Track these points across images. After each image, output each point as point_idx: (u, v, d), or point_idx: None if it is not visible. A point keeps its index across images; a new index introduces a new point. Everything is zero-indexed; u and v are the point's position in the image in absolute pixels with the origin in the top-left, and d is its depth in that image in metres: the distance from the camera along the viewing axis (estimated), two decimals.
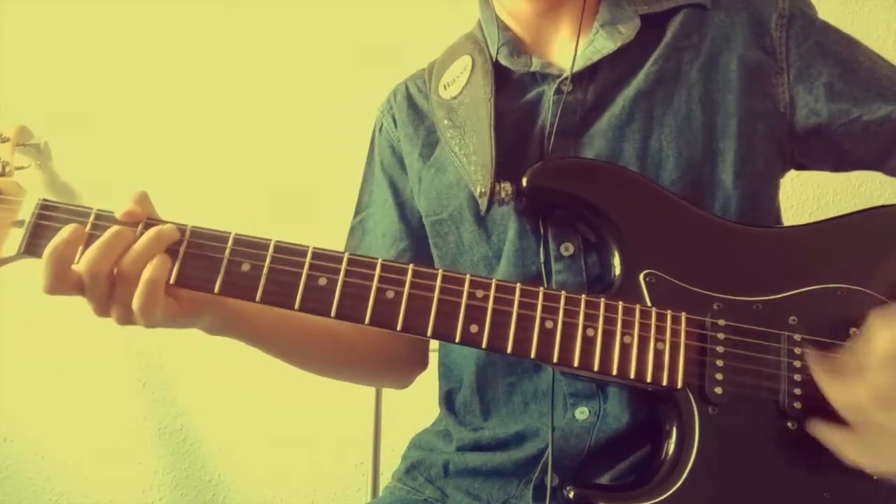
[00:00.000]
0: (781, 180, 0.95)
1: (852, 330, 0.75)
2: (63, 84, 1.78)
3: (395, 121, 1.05)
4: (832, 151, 0.91)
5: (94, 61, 1.79)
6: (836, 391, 0.71)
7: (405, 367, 1.10)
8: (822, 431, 0.72)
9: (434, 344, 1.04)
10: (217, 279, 0.75)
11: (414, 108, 1.04)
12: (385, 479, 1.05)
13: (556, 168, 0.85)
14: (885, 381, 0.67)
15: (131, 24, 1.78)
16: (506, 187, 0.84)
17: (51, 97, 1.77)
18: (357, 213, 1.10)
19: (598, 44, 0.91)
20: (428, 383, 1.05)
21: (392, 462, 1.05)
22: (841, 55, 0.90)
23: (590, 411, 0.85)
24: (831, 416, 0.71)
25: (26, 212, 0.77)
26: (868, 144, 0.89)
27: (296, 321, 0.92)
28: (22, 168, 0.95)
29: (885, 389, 0.67)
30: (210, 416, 1.76)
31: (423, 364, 1.11)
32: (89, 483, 1.77)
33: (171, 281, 0.74)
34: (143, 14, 1.78)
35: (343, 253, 0.76)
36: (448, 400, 1.01)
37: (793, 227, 0.85)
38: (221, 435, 1.77)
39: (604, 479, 0.84)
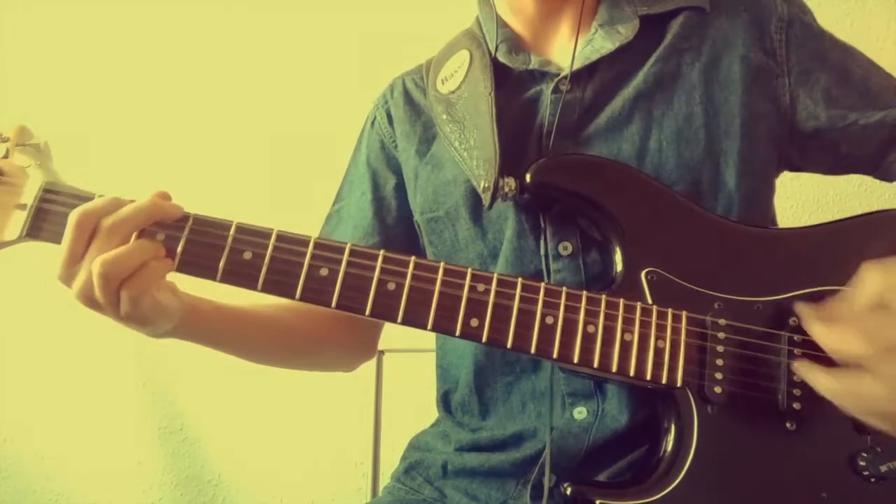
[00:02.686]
0: (778, 181, 0.95)
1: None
2: (63, 84, 1.78)
3: (389, 117, 1.05)
4: (829, 154, 0.92)
5: (94, 61, 1.79)
6: (826, 335, 0.69)
7: (354, 357, 1.12)
8: (816, 377, 0.70)
9: (430, 345, 1.04)
10: (219, 267, 0.75)
11: (411, 103, 1.04)
12: (385, 479, 1.05)
13: (561, 164, 0.85)
14: (874, 322, 0.66)
15: (131, 24, 1.79)
16: (509, 182, 0.83)
17: (51, 97, 1.77)
18: (336, 200, 1.10)
19: (597, 43, 0.91)
20: (428, 383, 1.05)
21: (392, 462, 1.05)
22: (837, 63, 0.91)
23: (588, 411, 0.85)
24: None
25: (29, 195, 0.77)
26: (863, 148, 0.90)
27: (248, 321, 0.94)
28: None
29: (875, 330, 0.65)
30: (210, 416, 1.76)
31: (372, 353, 1.13)
32: (89, 483, 1.77)
33: (172, 268, 0.75)
34: (142, 14, 1.79)
35: (346, 243, 0.76)
36: (445, 401, 1.01)
37: (795, 228, 0.85)
38: (221, 435, 1.77)
39: (601, 478, 0.84)
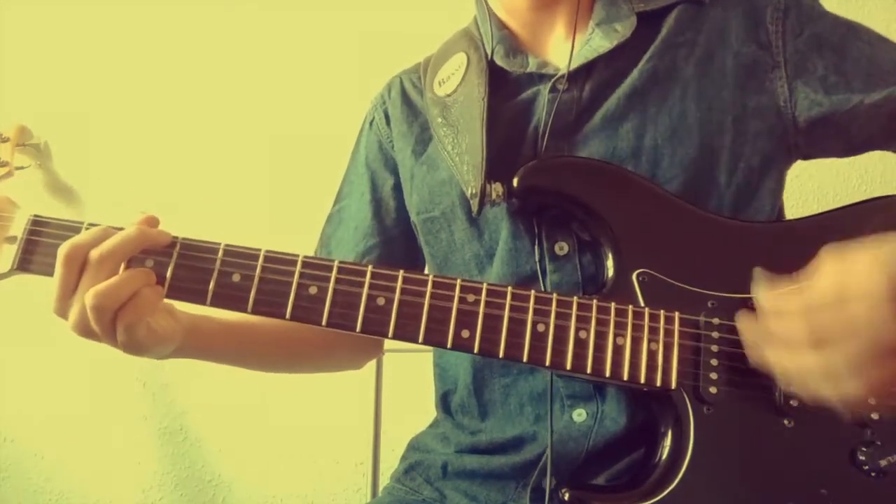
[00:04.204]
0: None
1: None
2: (63, 84, 1.78)
3: (387, 117, 1.05)
4: (839, 137, 0.89)
5: (94, 61, 1.79)
6: (774, 325, 0.66)
7: (361, 357, 1.14)
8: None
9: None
10: (208, 290, 0.75)
11: (408, 103, 1.04)
12: (385, 479, 1.05)
13: (547, 167, 0.84)
14: (822, 321, 0.63)
15: (131, 24, 1.79)
16: (497, 188, 0.83)
17: (51, 97, 1.77)
18: (336, 201, 1.11)
19: (595, 42, 0.90)
20: (428, 383, 1.05)
21: (392, 462, 1.05)
22: (837, 45, 0.88)
23: (587, 413, 0.85)
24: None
25: (18, 228, 0.78)
26: (873, 125, 0.87)
27: (251, 333, 0.94)
28: (22, 168, 0.96)
29: (820, 328, 0.62)
30: (210, 416, 1.76)
31: (378, 351, 1.16)
32: (89, 483, 1.77)
33: (164, 294, 0.75)
34: (142, 14, 1.79)
35: (333, 261, 0.77)
36: (444, 402, 1.01)
37: (786, 221, 0.85)
38: (221, 435, 1.77)
39: (600, 481, 0.83)
